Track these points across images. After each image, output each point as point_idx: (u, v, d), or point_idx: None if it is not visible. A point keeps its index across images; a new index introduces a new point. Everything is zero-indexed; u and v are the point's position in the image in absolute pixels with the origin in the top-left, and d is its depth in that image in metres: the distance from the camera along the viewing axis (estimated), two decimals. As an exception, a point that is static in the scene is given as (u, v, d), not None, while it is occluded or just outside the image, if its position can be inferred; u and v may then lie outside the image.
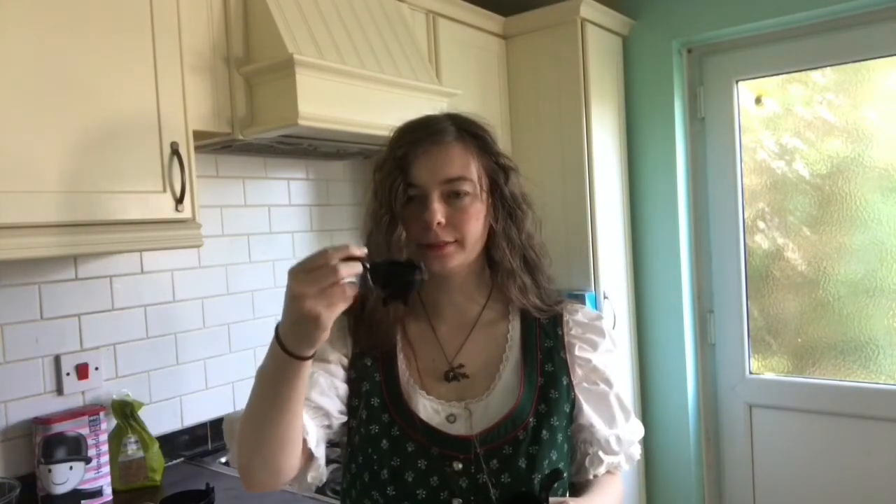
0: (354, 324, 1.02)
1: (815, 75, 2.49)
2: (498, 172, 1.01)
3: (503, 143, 2.60)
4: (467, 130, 1.01)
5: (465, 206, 0.97)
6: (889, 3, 2.27)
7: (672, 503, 2.75)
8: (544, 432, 0.97)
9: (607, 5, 2.52)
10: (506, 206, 1.02)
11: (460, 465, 0.94)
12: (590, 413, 1.02)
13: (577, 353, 1.03)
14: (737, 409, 2.69)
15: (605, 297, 2.49)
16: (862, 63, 2.38)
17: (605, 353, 1.04)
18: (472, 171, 0.98)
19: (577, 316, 1.06)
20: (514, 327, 1.04)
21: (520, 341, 1.03)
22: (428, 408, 0.98)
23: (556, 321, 1.04)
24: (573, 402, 1.01)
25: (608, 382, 1.03)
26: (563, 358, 1.02)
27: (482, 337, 1.04)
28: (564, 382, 1.00)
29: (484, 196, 0.99)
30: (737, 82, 2.61)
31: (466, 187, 0.97)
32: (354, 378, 1.01)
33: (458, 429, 0.97)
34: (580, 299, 2.41)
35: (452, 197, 0.96)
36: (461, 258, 0.98)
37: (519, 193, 1.04)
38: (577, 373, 1.02)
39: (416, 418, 0.96)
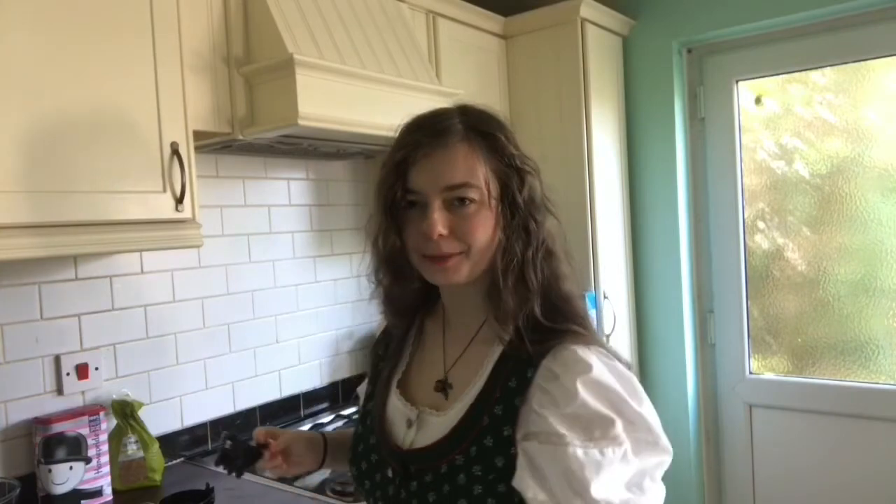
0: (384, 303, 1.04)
1: (815, 75, 2.49)
2: (511, 176, 0.90)
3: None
4: (476, 129, 0.90)
5: (470, 214, 0.87)
6: (889, 3, 2.27)
7: (672, 503, 2.74)
8: (461, 476, 0.85)
9: (607, 5, 2.52)
10: (518, 214, 0.90)
11: (390, 473, 0.94)
12: (526, 481, 0.82)
13: (534, 405, 0.84)
14: (737, 409, 2.69)
15: (605, 297, 2.49)
16: (862, 63, 2.38)
17: (570, 416, 0.81)
18: (478, 175, 0.87)
19: (556, 363, 0.85)
20: (496, 352, 0.90)
21: (491, 370, 0.89)
22: (397, 406, 0.97)
23: (533, 361, 0.86)
24: (510, 460, 0.83)
25: (564, 448, 0.80)
26: (515, 405, 0.85)
27: (473, 355, 0.93)
28: (505, 434, 0.84)
29: (493, 203, 0.88)
30: (737, 82, 2.61)
31: (472, 194, 0.87)
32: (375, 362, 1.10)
33: (406, 436, 0.94)
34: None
35: (456, 204, 0.87)
36: (467, 270, 0.89)
37: (537, 200, 0.93)
38: (526, 428, 0.83)
39: (381, 415, 0.98)
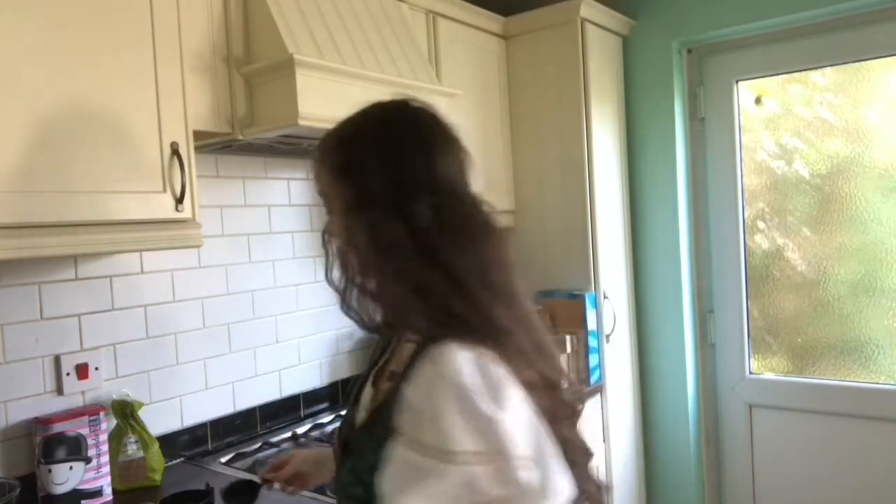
0: None
1: (815, 75, 2.49)
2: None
3: (503, 142, 2.61)
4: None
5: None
6: (889, 3, 2.27)
7: (672, 503, 2.75)
8: (358, 458, 0.89)
9: (607, 5, 2.52)
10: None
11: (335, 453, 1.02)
12: (383, 471, 0.81)
13: (403, 396, 0.82)
14: (737, 409, 2.69)
15: (605, 297, 2.50)
16: (862, 63, 2.38)
17: (414, 412, 0.79)
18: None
19: (427, 358, 0.81)
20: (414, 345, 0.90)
21: (406, 361, 0.88)
22: (367, 393, 0.99)
23: (421, 353, 0.84)
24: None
25: (396, 444, 0.80)
26: (403, 395, 0.82)
27: (407, 346, 0.93)
28: (392, 422, 0.82)
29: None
30: (737, 82, 2.61)
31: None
32: None
33: (355, 420, 0.98)
34: (580, 299, 2.41)
35: None
36: None
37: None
38: (397, 419, 0.82)
39: (354, 401, 1.01)
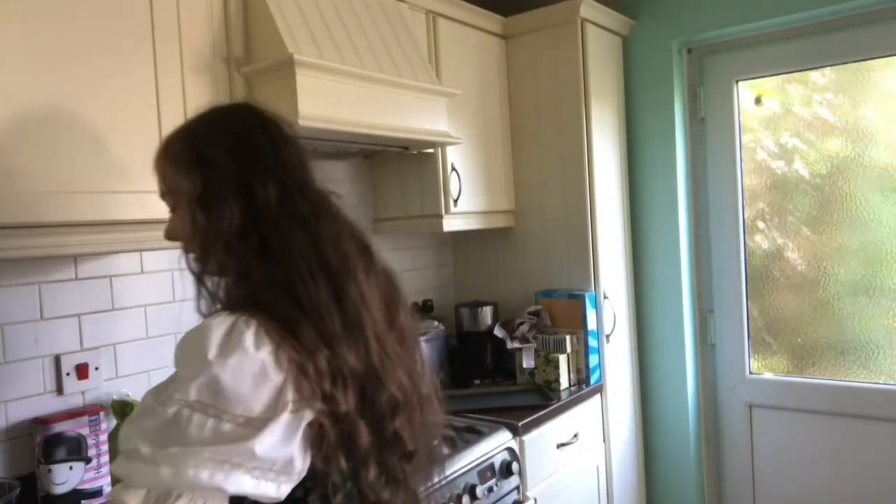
0: None
1: (815, 75, 2.49)
2: None
3: (503, 142, 2.60)
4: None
5: None
6: (889, 3, 2.27)
7: (672, 503, 2.75)
8: None
9: (607, 5, 2.52)
10: None
11: None
12: None
13: None
14: (737, 409, 2.69)
15: (605, 297, 2.49)
16: (862, 63, 2.38)
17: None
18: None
19: None
20: None
21: None
22: None
23: None
24: None
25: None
26: None
27: None
28: None
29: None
30: (737, 82, 2.61)
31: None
32: None
33: None
34: (580, 299, 2.41)
35: None
36: None
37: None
38: None
39: None
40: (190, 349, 0.83)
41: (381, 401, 0.92)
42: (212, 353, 0.80)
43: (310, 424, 0.84)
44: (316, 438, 0.85)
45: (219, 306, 0.92)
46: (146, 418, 0.82)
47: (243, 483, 0.79)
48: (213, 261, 0.94)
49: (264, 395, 0.81)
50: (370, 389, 0.91)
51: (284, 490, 0.83)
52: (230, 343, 0.81)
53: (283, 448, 0.81)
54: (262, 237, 0.91)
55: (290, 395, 0.82)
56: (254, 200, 0.91)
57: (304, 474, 0.85)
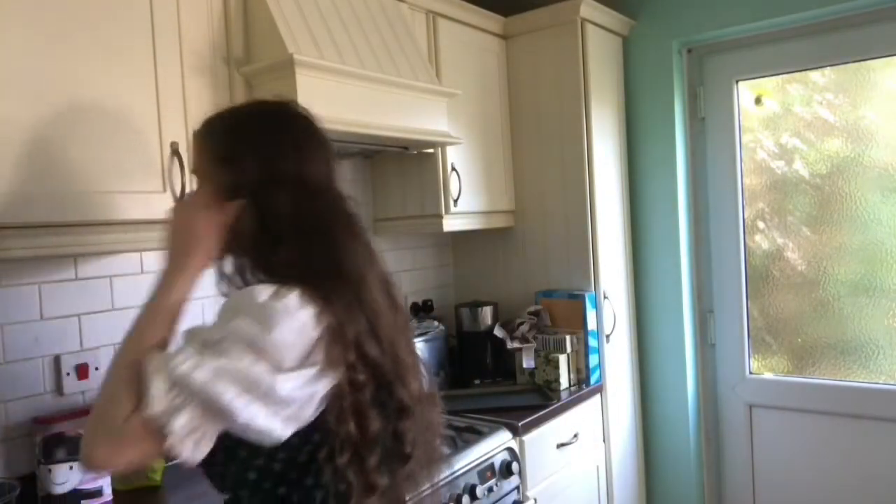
0: None
1: (815, 75, 2.49)
2: None
3: (503, 142, 2.60)
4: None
5: None
6: (889, 3, 2.27)
7: (672, 503, 2.75)
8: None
9: (607, 5, 2.52)
10: None
11: None
12: None
13: None
14: (737, 409, 2.69)
15: (605, 297, 2.49)
16: (862, 63, 2.38)
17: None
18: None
19: None
20: None
21: None
22: None
23: None
24: None
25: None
26: None
27: None
28: None
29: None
30: (737, 82, 2.61)
31: None
32: None
33: None
34: (580, 299, 2.41)
35: None
36: None
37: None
38: None
39: None
40: (238, 302, 0.89)
41: (393, 401, 0.97)
42: (259, 302, 0.86)
43: (331, 385, 0.89)
44: (334, 397, 0.90)
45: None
46: (195, 341, 0.88)
47: (256, 415, 0.84)
48: (229, 256, 1.01)
49: (298, 349, 0.87)
50: (385, 387, 0.96)
51: (288, 431, 0.87)
52: (277, 298, 0.87)
53: (302, 392, 0.87)
54: (276, 240, 0.95)
55: (320, 355, 0.88)
56: (270, 204, 0.95)
57: (310, 420, 0.89)
